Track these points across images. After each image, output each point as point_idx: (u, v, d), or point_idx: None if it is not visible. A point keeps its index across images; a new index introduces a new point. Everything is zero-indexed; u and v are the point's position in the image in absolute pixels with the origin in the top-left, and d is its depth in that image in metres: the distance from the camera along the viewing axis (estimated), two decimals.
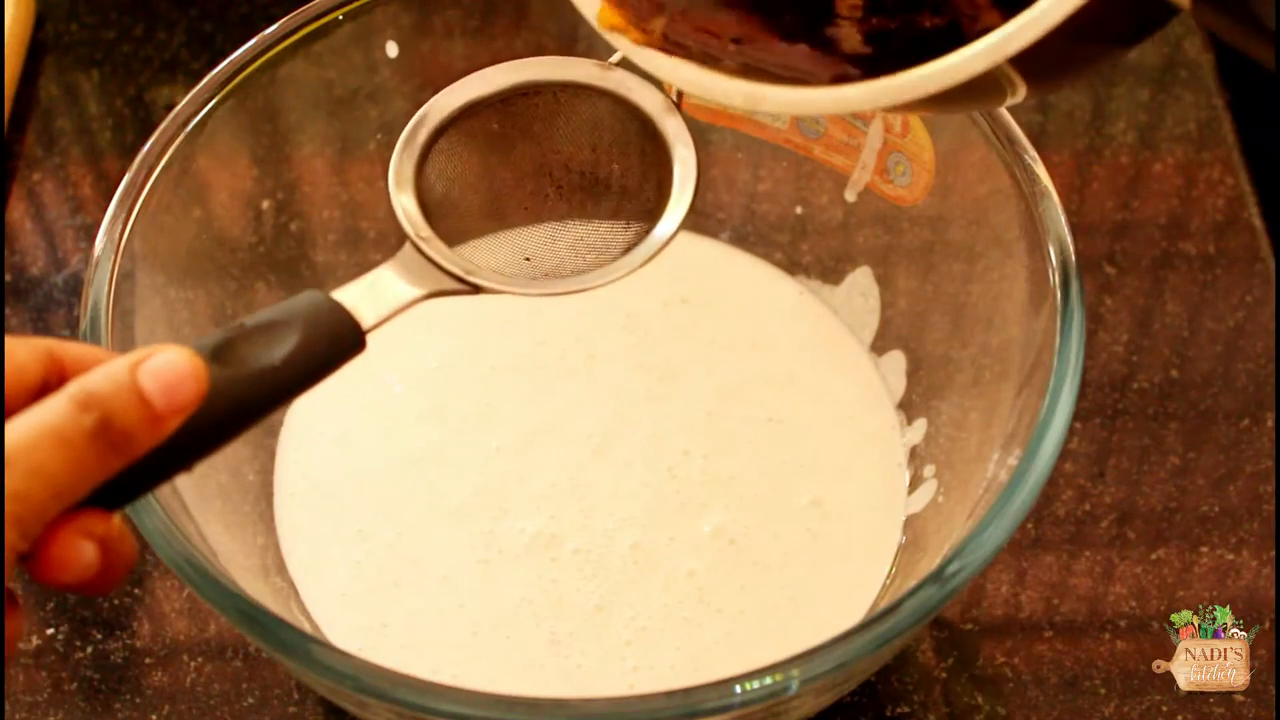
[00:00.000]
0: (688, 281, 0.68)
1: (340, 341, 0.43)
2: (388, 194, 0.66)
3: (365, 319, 0.44)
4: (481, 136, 0.51)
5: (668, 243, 0.50)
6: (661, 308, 0.68)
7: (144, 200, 0.56)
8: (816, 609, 0.59)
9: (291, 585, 0.60)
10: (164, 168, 0.57)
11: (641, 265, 0.50)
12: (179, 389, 0.39)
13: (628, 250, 0.51)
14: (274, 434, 0.64)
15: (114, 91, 0.80)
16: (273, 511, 0.62)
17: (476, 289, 0.48)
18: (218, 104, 0.59)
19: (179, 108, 0.58)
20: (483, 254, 0.50)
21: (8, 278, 0.73)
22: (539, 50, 0.52)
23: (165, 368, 0.38)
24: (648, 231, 0.50)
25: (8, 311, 0.71)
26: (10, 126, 0.78)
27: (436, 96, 0.51)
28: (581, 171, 0.52)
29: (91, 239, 0.56)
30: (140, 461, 0.39)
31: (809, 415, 0.64)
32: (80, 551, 0.37)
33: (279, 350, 0.41)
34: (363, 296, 0.44)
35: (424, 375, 0.66)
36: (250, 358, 0.41)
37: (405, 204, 0.49)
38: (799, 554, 0.60)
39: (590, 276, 0.50)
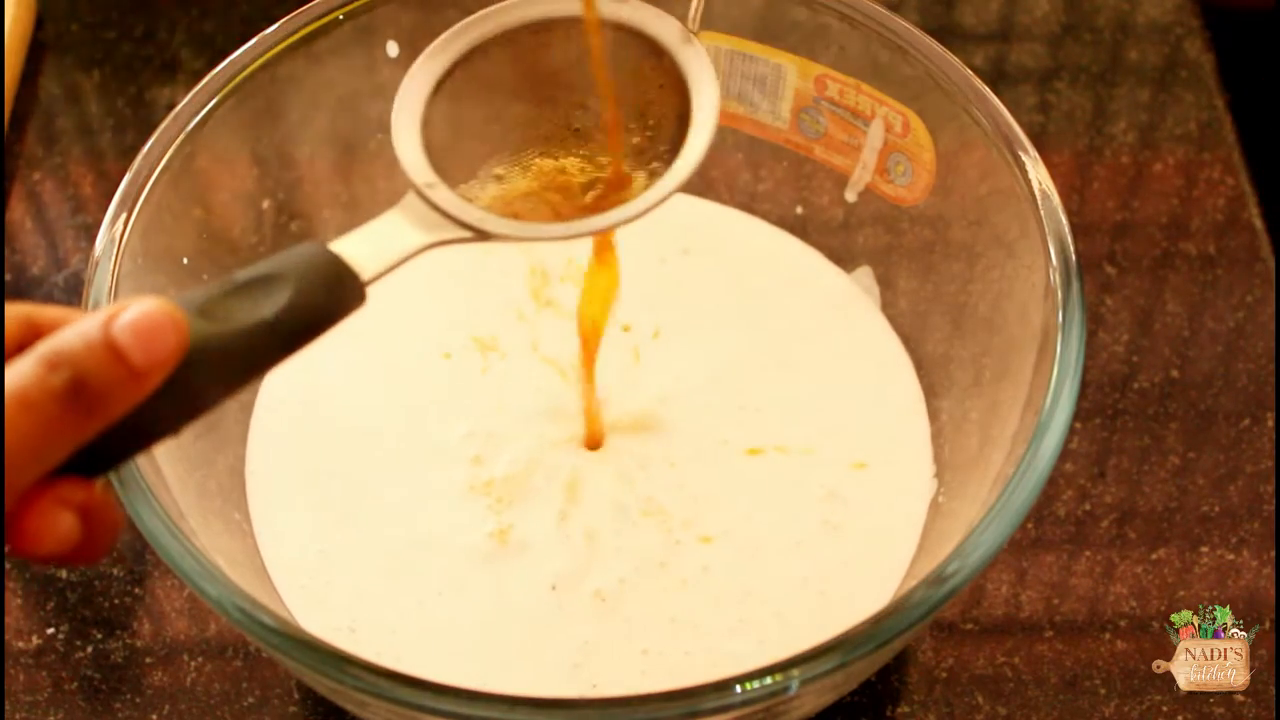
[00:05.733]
0: (690, 234, 0.67)
1: (338, 294, 0.41)
2: (389, 195, 0.66)
3: (365, 270, 0.41)
4: (490, 76, 0.48)
5: (689, 176, 0.47)
6: (658, 264, 0.67)
7: (144, 200, 0.56)
8: (843, 602, 0.58)
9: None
10: (164, 168, 0.57)
11: (662, 201, 0.47)
12: (156, 342, 0.36)
13: (646, 189, 0.48)
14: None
15: (114, 91, 0.80)
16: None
17: (486, 236, 0.45)
18: (218, 104, 0.59)
19: (179, 107, 0.58)
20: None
21: (8, 277, 0.73)
22: None
23: (141, 319, 0.36)
24: (666, 167, 0.48)
25: None
26: (11, 126, 0.78)
27: (441, 37, 0.48)
28: (599, 111, 0.49)
29: (92, 239, 0.56)
30: (122, 424, 0.36)
31: (827, 383, 0.64)
32: (57, 521, 0.35)
33: (271, 304, 0.39)
34: (363, 246, 0.42)
35: (402, 343, 0.65)
36: (240, 312, 0.38)
37: (408, 148, 0.47)
38: (824, 543, 0.60)
39: (606, 216, 0.47)
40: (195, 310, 0.38)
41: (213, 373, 0.38)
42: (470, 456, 0.62)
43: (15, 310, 0.37)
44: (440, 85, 0.48)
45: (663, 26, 0.48)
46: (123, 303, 0.36)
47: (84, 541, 0.36)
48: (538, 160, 0.49)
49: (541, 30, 0.48)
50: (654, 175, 0.49)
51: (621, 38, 0.48)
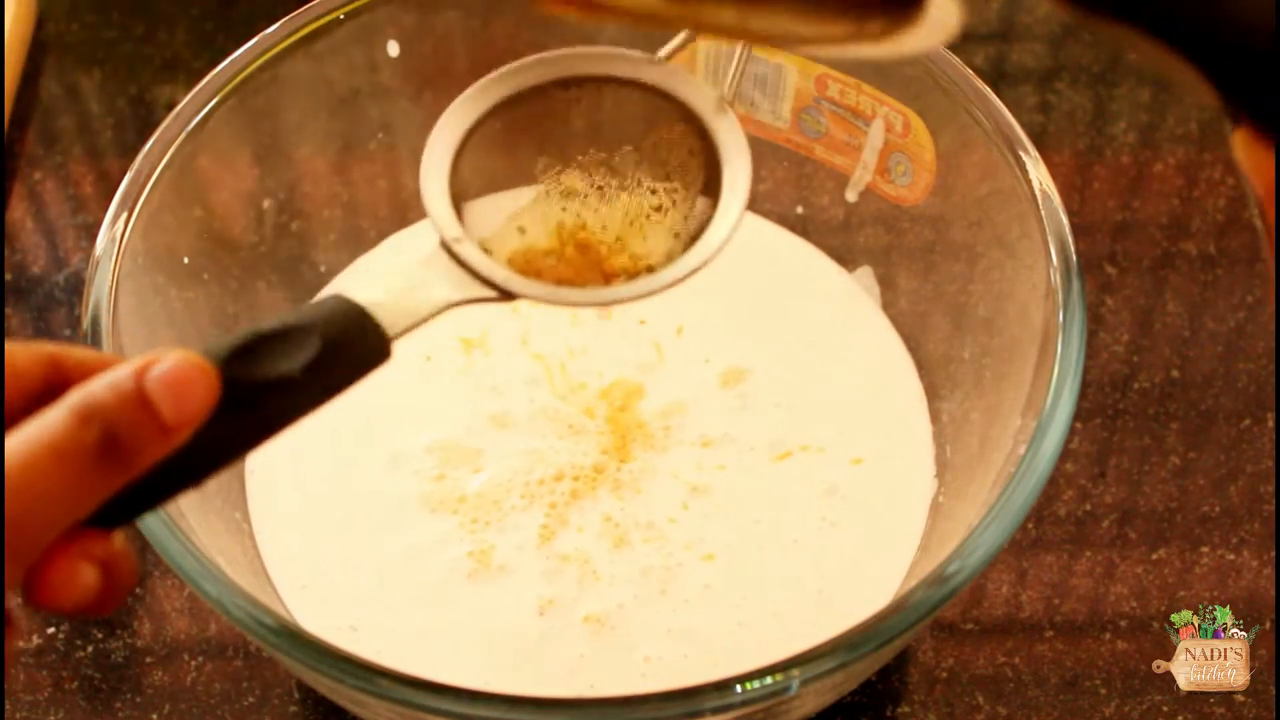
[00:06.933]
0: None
1: (364, 350, 0.40)
2: (389, 195, 0.66)
3: (391, 326, 0.41)
4: (518, 132, 0.48)
5: (719, 251, 0.47)
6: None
7: (145, 200, 0.56)
8: (843, 602, 0.58)
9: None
10: (165, 167, 0.57)
11: (688, 277, 0.47)
12: (189, 397, 0.36)
13: (670, 257, 0.48)
14: None
15: (115, 91, 0.80)
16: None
17: (510, 296, 0.45)
18: (219, 103, 0.59)
19: (180, 107, 0.58)
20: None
21: (8, 277, 0.73)
22: (541, 51, 0.52)
23: (173, 374, 0.35)
24: (694, 238, 0.48)
25: (8, 311, 0.72)
26: (11, 126, 0.78)
27: (472, 88, 0.48)
28: (624, 172, 0.49)
29: (92, 238, 0.56)
30: (146, 477, 0.36)
31: (828, 383, 0.64)
32: (80, 575, 0.35)
33: (298, 358, 0.38)
34: (389, 301, 0.41)
35: (396, 344, 0.65)
36: (267, 366, 0.38)
37: (437, 201, 0.46)
38: (825, 543, 0.60)
39: (631, 287, 0.47)
40: (222, 362, 0.37)
41: (238, 426, 0.37)
42: (434, 472, 0.61)
43: (39, 350, 0.37)
44: (468, 136, 0.48)
45: (696, 93, 0.48)
46: (154, 354, 0.36)
47: (103, 593, 0.36)
48: (560, 215, 0.49)
49: (572, 86, 0.48)
50: (678, 239, 0.48)
51: (654, 101, 0.48)
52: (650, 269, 0.48)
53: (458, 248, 0.45)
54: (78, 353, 0.37)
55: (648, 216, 0.49)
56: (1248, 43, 0.34)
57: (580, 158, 0.49)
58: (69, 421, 0.34)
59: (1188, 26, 0.35)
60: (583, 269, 0.48)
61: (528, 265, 0.48)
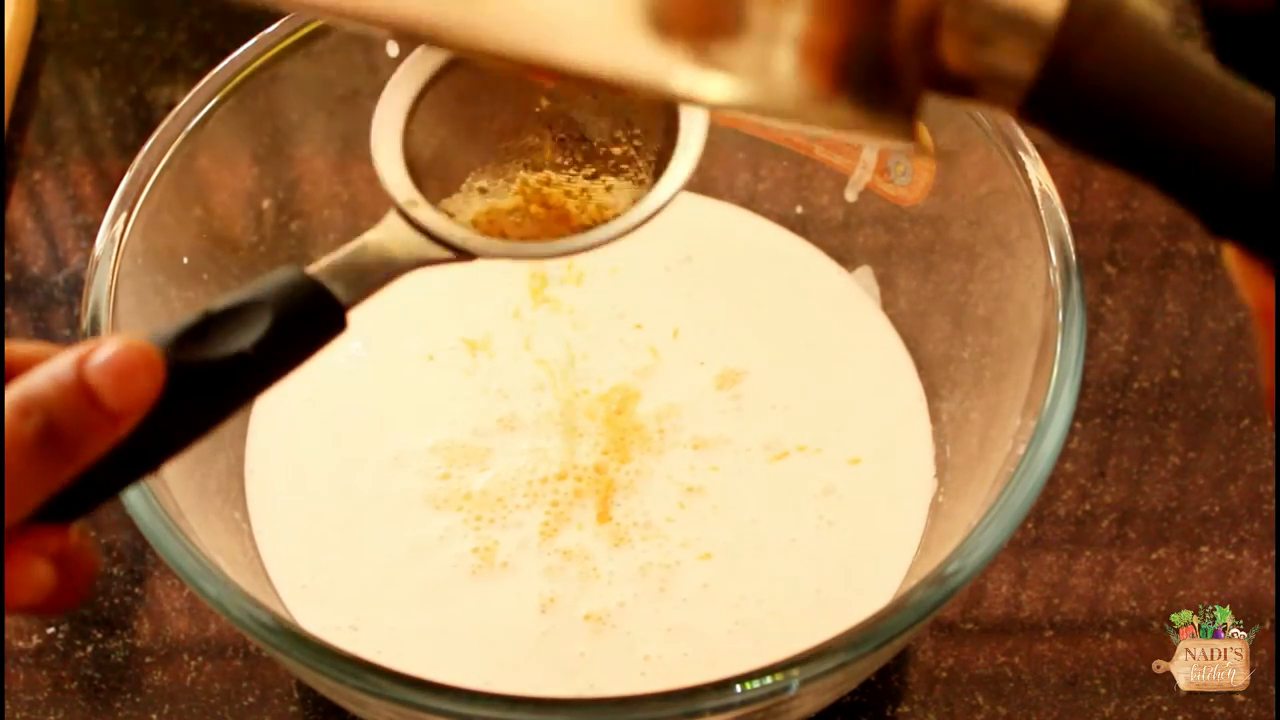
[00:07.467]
0: (691, 235, 0.67)
1: (318, 322, 0.40)
2: (374, 163, 0.65)
3: (345, 296, 0.40)
4: (472, 88, 0.48)
5: (675, 195, 0.46)
6: (664, 271, 0.67)
7: (145, 200, 0.56)
8: (843, 602, 0.58)
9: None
10: (165, 167, 0.57)
11: (646, 221, 0.46)
12: (131, 383, 0.34)
13: (632, 205, 0.47)
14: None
15: (115, 91, 0.80)
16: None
17: (470, 256, 0.45)
18: (218, 103, 0.59)
19: (180, 107, 0.58)
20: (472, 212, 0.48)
21: (8, 277, 0.73)
22: None
23: (115, 360, 0.34)
24: (652, 185, 0.47)
25: (8, 311, 0.72)
26: (11, 126, 0.78)
27: (421, 48, 0.47)
28: (583, 121, 0.49)
29: (92, 238, 0.56)
30: (97, 466, 0.35)
31: (827, 383, 0.64)
32: (32, 572, 0.34)
33: (250, 335, 0.38)
34: (343, 271, 0.41)
35: (401, 342, 0.65)
36: (218, 345, 0.37)
37: (389, 165, 0.46)
38: (824, 542, 0.60)
39: (590, 235, 0.46)
40: (170, 344, 0.36)
41: (190, 409, 0.37)
42: (439, 471, 0.61)
43: None
44: (421, 97, 0.47)
45: None
46: (95, 341, 0.35)
47: (59, 590, 0.35)
48: (521, 172, 0.49)
49: None
50: (640, 186, 0.48)
51: None
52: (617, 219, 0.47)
53: (412, 211, 0.45)
54: (22, 347, 0.36)
55: (612, 168, 0.49)
56: (1248, 186, 0.33)
57: (539, 112, 0.49)
58: (8, 415, 0.33)
59: (1188, 176, 0.34)
60: (549, 225, 0.48)
61: (492, 226, 0.47)
